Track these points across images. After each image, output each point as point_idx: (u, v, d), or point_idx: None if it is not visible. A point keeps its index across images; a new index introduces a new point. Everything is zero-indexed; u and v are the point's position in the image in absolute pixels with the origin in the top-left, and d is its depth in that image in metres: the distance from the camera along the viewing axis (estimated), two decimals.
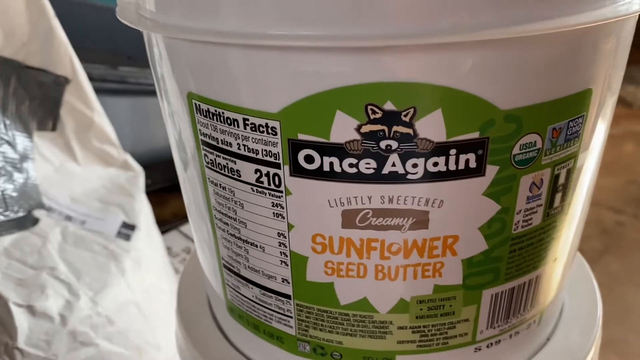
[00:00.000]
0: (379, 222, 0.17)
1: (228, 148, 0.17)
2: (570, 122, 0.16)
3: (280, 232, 0.18)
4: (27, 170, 0.40)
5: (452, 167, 0.15)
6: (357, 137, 0.15)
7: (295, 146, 0.16)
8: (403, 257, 0.17)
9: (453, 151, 0.15)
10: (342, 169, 0.16)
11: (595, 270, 0.26)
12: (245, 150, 0.17)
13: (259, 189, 0.17)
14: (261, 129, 0.16)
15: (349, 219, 0.17)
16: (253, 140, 0.16)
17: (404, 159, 0.15)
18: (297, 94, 0.15)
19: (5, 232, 0.37)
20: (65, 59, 0.43)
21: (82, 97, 0.44)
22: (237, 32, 0.15)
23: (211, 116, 0.17)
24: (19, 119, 0.41)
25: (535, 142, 0.16)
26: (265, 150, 0.16)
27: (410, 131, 0.15)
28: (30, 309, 0.33)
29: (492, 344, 0.20)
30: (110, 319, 0.36)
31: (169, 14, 0.16)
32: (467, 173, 0.16)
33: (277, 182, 0.17)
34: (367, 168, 0.16)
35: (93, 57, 0.57)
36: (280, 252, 0.18)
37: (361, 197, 0.16)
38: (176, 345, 0.25)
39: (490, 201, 0.16)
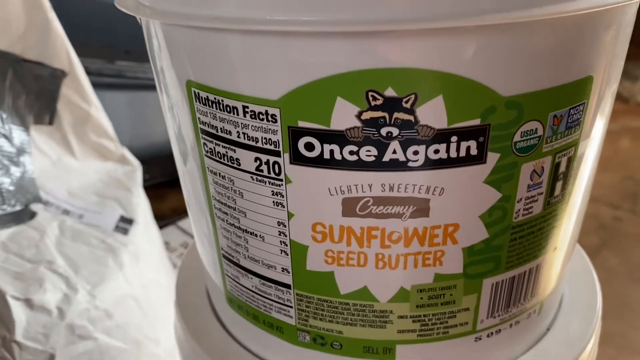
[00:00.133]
0: (380, 210, 0.16)
1: (227, 136, 0.17)
2: (571, 110, 0.16)
3: (280, 221, 0.18)
4: (24, 164, 0.40)
5: (453, 154, 0.15)
6: (358, 124, 0.15)
7: (295, 134, 0.16)
8: (403, 245, 0.17)
9: (454, 138, 0.15)
10: (342, 157, 0.16)
11: (593, 266, 0.26)
12: (244, 139, 0.17)
13: (259, 178, 0.17)
14: (261, 116, 0.16)
15: (350, 207, 0.17)
16: (252, 128, 0.16)
17: (404, 146, 0.15)
18: (297, 80, 0.15)
19: (2, 226, 0.37)
20: (62, 52, 0.42)
21: (79, 90, 0.43)
22: (236, 17, 0.14)
23: (210, 104, 0.17)
24: (16, 112, 0.40)
25: (536, 129, 0.16)
26: (265, 138, 0.16)
27: (411, 118, 0.15)
28: (28, 302, 0.33)
29: (492, 333, 0.20)
30: (108, 313, 0.36)
31: (167, 0, 0.16)
32: (468, 160, 0.16)
33: (277, 171, 0.17)
34: (367, 155, 0.15)
35: (90, 51, 0.57)
36: (280, 242, 0.18)
37: (362, 185, 0.16)
38: (175, 337, 0.25)
39: (491, 189, 0.16)
